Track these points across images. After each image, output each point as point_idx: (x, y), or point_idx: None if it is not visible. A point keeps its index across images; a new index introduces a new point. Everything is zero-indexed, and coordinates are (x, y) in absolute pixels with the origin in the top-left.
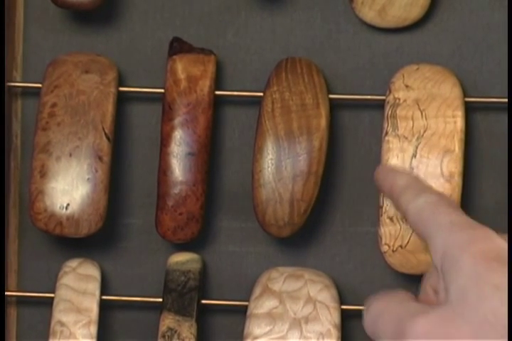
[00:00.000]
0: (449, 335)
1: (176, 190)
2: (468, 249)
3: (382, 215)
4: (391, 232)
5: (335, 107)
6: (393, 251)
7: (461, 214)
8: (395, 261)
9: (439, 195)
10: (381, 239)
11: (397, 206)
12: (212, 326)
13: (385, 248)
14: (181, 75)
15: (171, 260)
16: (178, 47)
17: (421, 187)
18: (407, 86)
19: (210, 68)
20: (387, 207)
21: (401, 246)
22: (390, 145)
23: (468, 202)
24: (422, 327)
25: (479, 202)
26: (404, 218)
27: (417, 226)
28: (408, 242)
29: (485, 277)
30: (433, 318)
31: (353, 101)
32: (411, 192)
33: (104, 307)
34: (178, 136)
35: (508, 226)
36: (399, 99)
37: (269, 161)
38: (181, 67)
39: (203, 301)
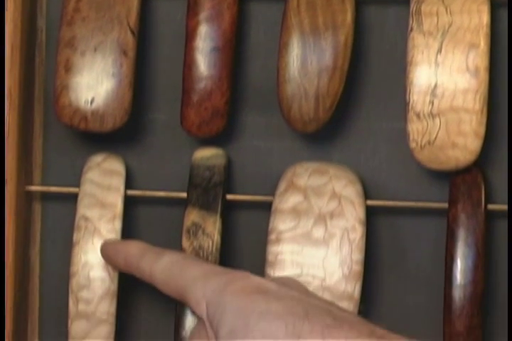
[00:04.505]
0: None
1: (201, 85)
2: (227, 289)
3: (409, 112)
4: (418, 129)
5: (360, 2)
6: (421, 147)
7: (211, 264)
8: (424, 157)
9: (181, 253)
10: (409, 135)
11: (141, 273)
12: (237, 221)
13: (413, 145)
14: None
15: (195, 155)
16: None
17: (158, 250)
18: None
19: None
20: (414, 103)
21: (429, 143)
22: (415, 42)
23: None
24: None
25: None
26: (152, 282)
27: (169, 285)
28: (436, 138)
29: (249, 308)
30: None
31: None
32: (150, 255)
33: (129, 202)
34: (203, 31)
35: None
36: None
37: (295, 57)
38: None
39: (228, 196)
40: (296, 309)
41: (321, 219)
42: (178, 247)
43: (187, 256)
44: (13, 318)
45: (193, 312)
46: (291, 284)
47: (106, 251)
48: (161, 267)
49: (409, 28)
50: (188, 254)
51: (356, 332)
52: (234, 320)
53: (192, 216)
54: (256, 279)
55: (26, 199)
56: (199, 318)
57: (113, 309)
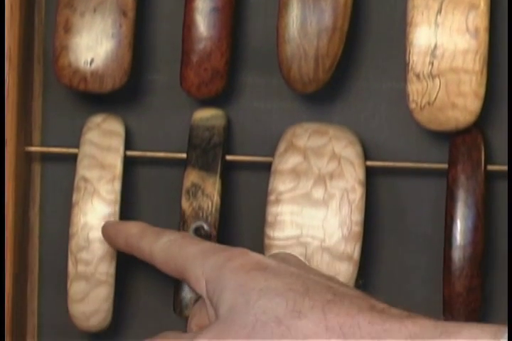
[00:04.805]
0: None
1: (200, 46)
2: (226, 267)
3: (408, 73)
4: (418, 89)
5: None
6: (421, 108)
7: (210, 242)
8: (423, 118)
9: (181, 232)
10: (408, 96)
11: (142, 254)
12: (237, 182)
13: (412, 105)
14: None
15: (195, 116)
16: None
17: (158, 230)
18: None
19: None
20: (414, 64)
21: (428, 103)
22: (415, 2)
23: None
24: None
25: None
26: (153, 262)
27: (168, 264)
28: (435, 99)
29: (248, 285)
30: (208, 335)
31: None
32: (150, 235)
33: (128, 163)
34: None
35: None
36: None
37: (294, 17)
38: None
39: (227, 157)
40: (296, 285)
41: (321, 179)
42: (178, 208)
43: (186, 235)
44: (13, 278)
45: (193, 291)
46: (290, 260)
47: (107, 232)
48: (160, 246)
49: None
50: (187, 233)
51: (357, 307)
52: (234, 297)
53: (191, 177)
54: (255, 256)
55: (26, 159)
56: (199, 296)
57: (112, 270)
